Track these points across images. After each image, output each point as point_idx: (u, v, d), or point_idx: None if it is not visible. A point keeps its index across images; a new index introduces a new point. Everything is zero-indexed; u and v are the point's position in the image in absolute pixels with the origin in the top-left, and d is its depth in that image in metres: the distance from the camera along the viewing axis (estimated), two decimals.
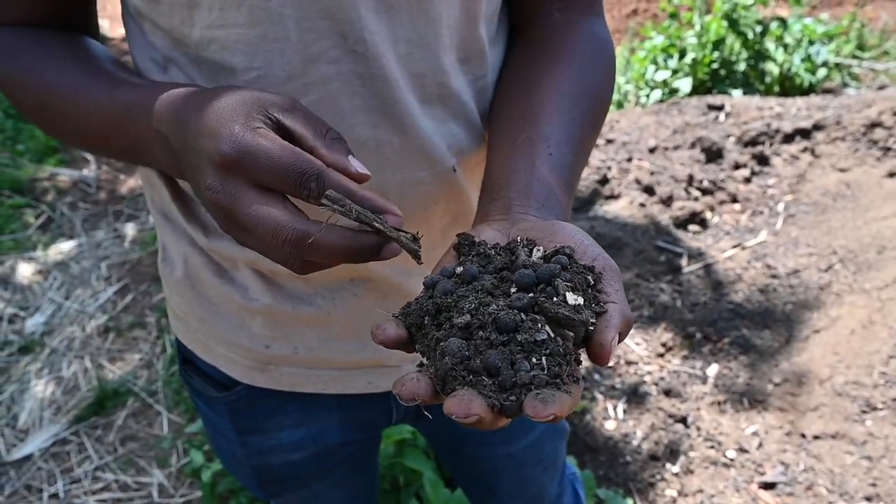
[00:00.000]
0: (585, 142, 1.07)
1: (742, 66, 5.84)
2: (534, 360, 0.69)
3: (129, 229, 4.81)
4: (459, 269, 0.79)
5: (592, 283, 0.76)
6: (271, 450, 1.43)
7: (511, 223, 0.88)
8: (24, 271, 4.44)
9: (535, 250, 0.80)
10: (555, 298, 0.72)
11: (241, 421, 1.40)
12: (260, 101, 0.81)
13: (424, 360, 0.75)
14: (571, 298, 0.72)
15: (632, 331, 3.53)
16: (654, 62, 6.15)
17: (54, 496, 3.14)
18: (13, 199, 5.09)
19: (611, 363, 3.41)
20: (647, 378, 3.35)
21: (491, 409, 0.66)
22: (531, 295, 0.73)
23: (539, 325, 0.71)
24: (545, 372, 0.68)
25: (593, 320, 0.73)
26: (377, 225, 0.79)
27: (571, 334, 0.71)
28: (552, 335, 0.70)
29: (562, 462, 1.76)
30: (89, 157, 5.58)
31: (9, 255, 4.57)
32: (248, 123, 0.78)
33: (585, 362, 3.33)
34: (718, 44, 5.82)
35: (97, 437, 3.39)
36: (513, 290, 0.75)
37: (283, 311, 1.21)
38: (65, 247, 4.66)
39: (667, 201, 4.32)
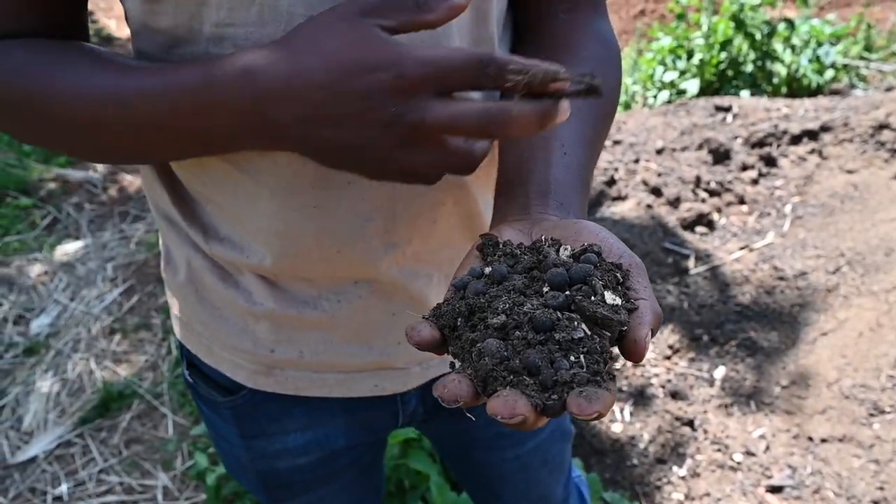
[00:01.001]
0: (597, 141, 1.07)
1: (750, 68, 5.83)
2: (572, 358, 0.69)
3: (136, 230, 4.81)
4: (488, 270, 0.79)
5: (622, 280, 0.77)
6: (276, 454, 1.42)
7: (532, 223, 0.88)
8: (30, 272, 4.44)
9: (562, 249, 0.80)
10: (593, 297, 0.72)
11: (245, 425, 1.39)
12: (359, 20, 0.81)
13: (457, 363, 0.74)
14: (609, 298, 0.73)
15: None
16: (662, 63, 6.14)
17: (58, 499, 3.14)
18: (19, 199, 5.10)
19: (618, 365, 3.41)
20: (653, 380, 3.34)
21: (534, 409, 0.66)
22: (567, 293, 0.73)
23: (575, 323, 0.71)
24: (585, 370, 0.68)
25: (628, 318, 0.73)
26: (563, 74, 0.79)
27: (608, 333, 0.71)
28: (589, 333, 0.70)
29: (567, 464, 1.76)
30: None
31: (14, 255, 4.58)
32: (397, 41, 0.80)
33: None
34: (726, 45, 5.81)
35: (102, 439, 3.39)
36: (545, 289, 0.75)
37: (288, 315, 1.20)
38: (70, 248, 4.66)
39: (674, 203, 4.31)
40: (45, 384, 3.65)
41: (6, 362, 3.79)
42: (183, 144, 0.94)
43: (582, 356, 0.69)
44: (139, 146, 0.97)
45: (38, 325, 4.02)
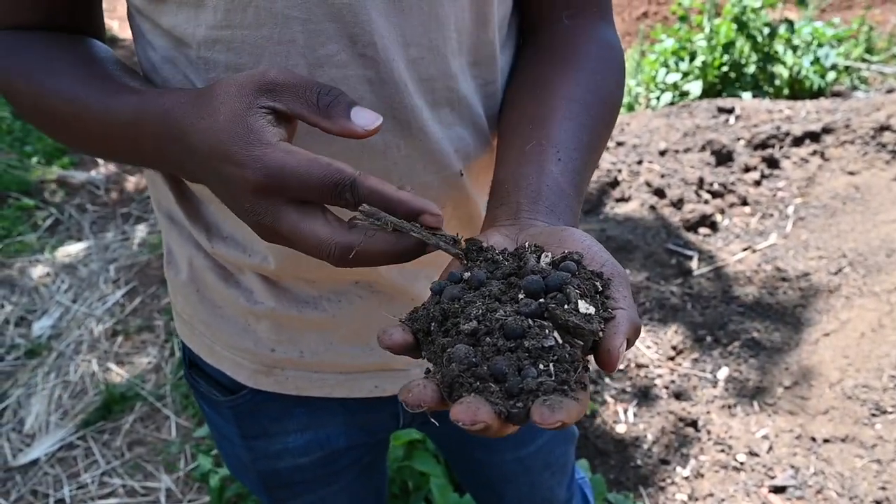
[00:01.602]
0: (595, 147, 1.06)
1: (752, 69, 5.84)
2: (541, 366, 0.68)
3: (138, 231, 4.81)
4: (467, 275, 0.78)
5: (601, 289, 0.76)
6: (277, 454, 1.42)
7: (519, 228, 0.88)
8: (32, 274, 4.44)
9: (543, 256, 0.79)
10: (566, 306, 0.71)
11: (246, 425, 1.39)
12: (249, 99, 0.81)
13: (431, 367, 0.74)
14: (583, 307, 0.72)
15: (642, 333, 3.53)
16: (665, 65, 6.15)
17: (60, 501, 3.14)
18: (21, 201, 5.11)
19: (620, 367, 3.41)
20: (657, 381, 3.34)
21: (498, 417, 0.65)
22: (539, 301, 0.72)
23: (546, 331, 0.70)
24: (553, 378, 0.67)
25: (602, 327, 0.72)
26: (414, 234, 0.80)
27: (580, 342, 0.70)
28: (560, 341, 0.70)
29: (571, 466, 1.76)
30: (98, 159, 5.59)
31: (16, 257, 4.58)
32: (262, 138, 0.78)
33: (593, 366, 3.31)
34: (728, 47, 5.82)
35: (104, 441, 3.39)
36: (521, 296, 0.74)
37: (289, 314, 1.20)
38: (73, 249, 4.67)
39: (677, 204, 4.31)
40: (48, 386, 3.65)
41: (8, 364, 3.80)
42: (122, 157, 1.02)
43: (551, 364, 0.68)
44: (98, 150, 1.06)
45: (41, 326, 4.02)
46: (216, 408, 1.40)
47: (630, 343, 0.73)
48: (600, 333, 0.71)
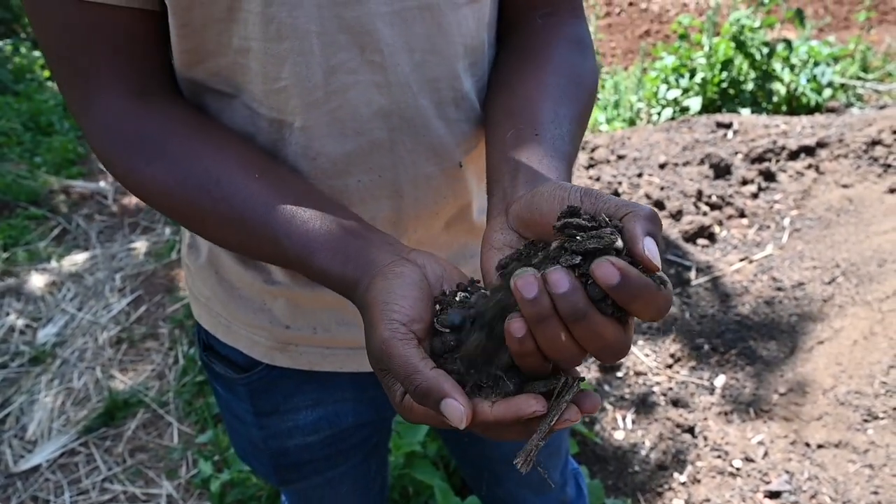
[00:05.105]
0: (574, 117, 1.11)
1: (750, 86, 5.89)
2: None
3: (144, 241, 4.84)
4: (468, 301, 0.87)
5: (607, 219, 0.77)
6: (288, 432, 1.47)
7: (506, 217, 0.93)
8: (38, 282, 4.47)
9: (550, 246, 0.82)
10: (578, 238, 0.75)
11: (260, 402, 1.45)
12: (384, 375, 0.86)
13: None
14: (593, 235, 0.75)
15: (640, 342, 3.56)
16: (666, 81, 6.20)
17: None
18: (29, 210, 5.15)
19: (619, 374, 3.44)
20: (655, 389, 3.37)
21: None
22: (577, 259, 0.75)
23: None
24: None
25: (616, 237, 0.74)
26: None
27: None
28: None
29: (565, 451, 1.81)
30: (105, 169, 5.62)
31: (23, 266, 4.61)
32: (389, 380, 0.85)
33: (594, 373, 3.31)
34: (727, 64, 5.87)
35: (106, 447, 3.41)
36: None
37: (304, 293, 1.26)
38: (79, 258, 4.70)
39: (676, 216, 4.35)
40: (51, 393, 3.67)
41: (12, 371, 3.82)
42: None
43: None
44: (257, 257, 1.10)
45: (45, 334, 4.04)
46: (230, 387, 1.46)
47: (655, 233, 0.75)
48: (618, 242, 0.74)
